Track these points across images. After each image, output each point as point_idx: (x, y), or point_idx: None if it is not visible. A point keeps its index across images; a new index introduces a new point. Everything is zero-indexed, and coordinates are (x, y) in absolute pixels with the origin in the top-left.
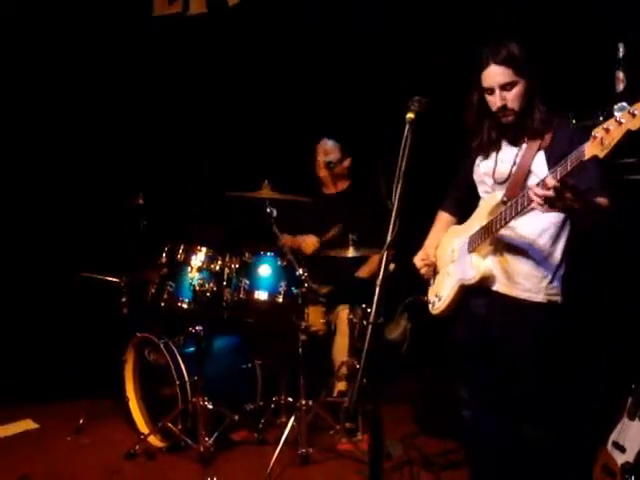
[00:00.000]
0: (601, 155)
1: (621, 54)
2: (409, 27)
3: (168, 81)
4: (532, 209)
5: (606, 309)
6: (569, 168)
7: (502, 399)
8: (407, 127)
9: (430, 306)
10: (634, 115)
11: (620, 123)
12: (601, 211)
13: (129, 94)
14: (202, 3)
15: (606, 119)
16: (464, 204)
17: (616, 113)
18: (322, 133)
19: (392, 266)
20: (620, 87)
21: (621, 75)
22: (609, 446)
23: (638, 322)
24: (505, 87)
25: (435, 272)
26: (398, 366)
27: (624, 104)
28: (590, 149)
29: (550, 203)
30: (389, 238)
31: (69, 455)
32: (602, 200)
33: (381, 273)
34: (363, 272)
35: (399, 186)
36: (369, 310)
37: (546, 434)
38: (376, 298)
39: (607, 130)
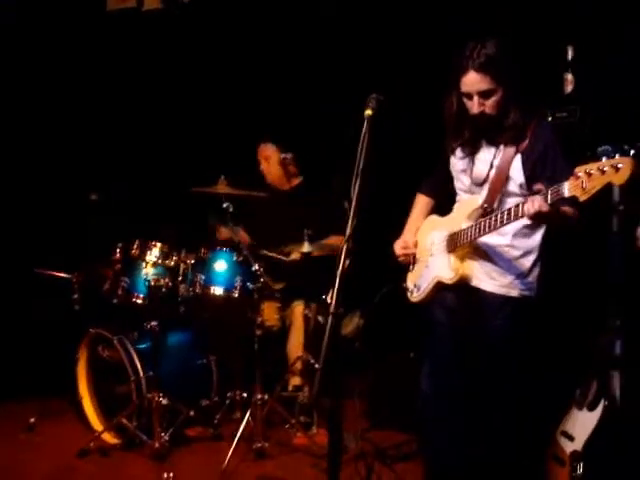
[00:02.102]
0: (581, 199)
1: (570, 57)
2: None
3: (125, 78)
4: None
5: (572, 306)
6: (549, 201)
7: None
8: (365, 124)
9: (409, 294)
10: (617, 169)
11: (603, 172)
12: (569, 222)
13: (86, 89)
14: None
15: (554, 119)
16: (443, 188)
17: (600, 155)
18: (264, 134)
19: (346, 262)
20: (569, 89)
21: (570, 77)
22: (558, 436)
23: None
24: (484, 94)
25: (414, 260)
26: (351, 362)
27: (608, 147)
28: (571, 189)
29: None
30: (348, 231)
31: (21, 453)
32: (569, 210)
33: (340, 264)
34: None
35: (357, 182)
36: (328, 301)
37: (502, 421)
38: (336, 288)
39: (589, 174)
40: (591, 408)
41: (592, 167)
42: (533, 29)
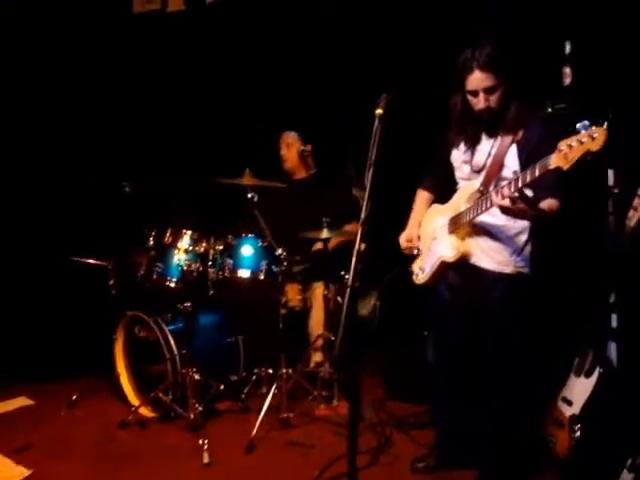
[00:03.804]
0: (565, 168)
1: (567, 51)
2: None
3: (152, 73)
4: None
5: (565, 280)
6: (537, 174)
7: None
8: (376, 122)
9: (414, 277)
10: (593, 138)
11: (581, 143)
12: (551, 217)
13: (116, 85)
14: (180, 0)
15: (554, 110)
16: (442, 182)
17: (579, 129)
18: (286, 125)
19: (362, 246)
20: (567, 81)
21: (568, 70)
22: (559, 401)
23: (588, 295)
24: (488, 90)
25: (418, 250)
26: (368, 341)
27: (586, 122)
28: (555, 160)
29: (503, 211)
30: (363, 215)
31: (65, 426)
32: (553, 203)
33: (357, 243)
34: (331, 244)
35: (370, 172)
36: (347, 277)
37: (505, 390)
38: (353, 264)
39: (570, 146)
40: (588, 375)
41: (572, 140)
42: (534, 27)
